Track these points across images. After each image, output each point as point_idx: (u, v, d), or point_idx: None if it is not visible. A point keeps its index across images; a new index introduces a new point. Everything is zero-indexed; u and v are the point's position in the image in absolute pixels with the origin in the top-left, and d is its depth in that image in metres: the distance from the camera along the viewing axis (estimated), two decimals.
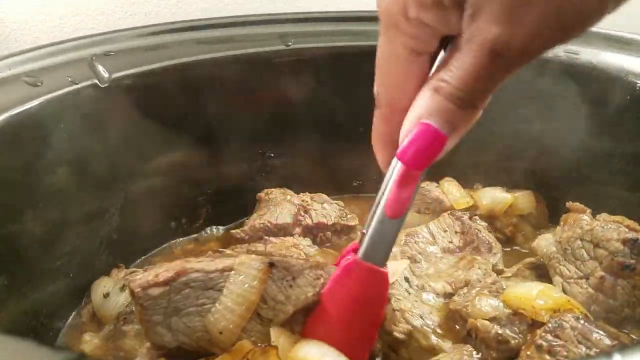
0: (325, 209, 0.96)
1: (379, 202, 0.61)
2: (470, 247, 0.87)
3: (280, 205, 0.95)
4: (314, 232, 0.94)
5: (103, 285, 0.80)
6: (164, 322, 0.62)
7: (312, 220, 0.94)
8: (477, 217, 0.94)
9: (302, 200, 0.96)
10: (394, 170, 0.58)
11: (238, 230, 0.94)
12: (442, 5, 0.49)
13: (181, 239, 1.01)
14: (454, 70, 0.50)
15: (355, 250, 0.64)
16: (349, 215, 0.97)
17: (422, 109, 0.52)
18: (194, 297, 0.62)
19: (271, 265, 0.64)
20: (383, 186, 0.60)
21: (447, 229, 0.89)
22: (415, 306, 0.73)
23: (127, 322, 0.75)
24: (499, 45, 0.47)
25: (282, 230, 0.92)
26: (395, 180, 0.58)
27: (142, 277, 0.63)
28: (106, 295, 0.79)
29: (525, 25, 0.46)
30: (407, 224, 1.00)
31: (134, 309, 0.75)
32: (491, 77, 0.49)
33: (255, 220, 0.94)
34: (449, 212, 0.93)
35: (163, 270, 0.63)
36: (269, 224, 0.92)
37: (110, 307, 0.78)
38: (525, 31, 0.46)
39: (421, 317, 0.73)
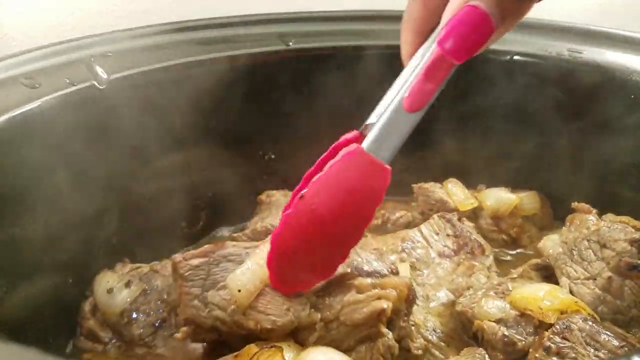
0: None
1: (396, 94, 0.55)
2: (464, 251, 0.87)
3: (282, 207, 0.94)
4: None
5: (107, 280, 0.79)
6: (201, 295, 0.64)
7: None
8: (464, 219, 0.93)
9: None
10: (423, 59, 0.52)
11: (240, 234, 0.93)
12: None
13: (180, 242, 1.00)
14: None
15: (354, 141, 0.58)
16: None
17: None
18: (231, 270, 0.64)
19: None
20: (402, 78, 0.55)
21: (439, 231, 0.89)
22: (427, 319, 0.73)
23: (131, 320, 0.75)
24: None
25: None
26: (424, 68, 0.51)
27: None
28: (110, 291, 0.77)
29: None
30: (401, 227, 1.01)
31: (138, 307, 0.76)
32: None
33: (257, 224, 0.93)
34: (438, 214, 0.92)
35: (203, 246, 0.67)
36: (270, 227, 0.91)
37: (113, 304, 0.77)
38: None
39: (434, 330, 0.72)
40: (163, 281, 0.78)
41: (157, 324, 0.76)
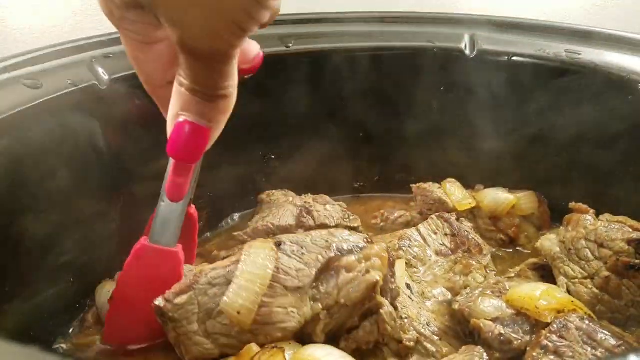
0: (328, 210, 0.95)
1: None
2: (461, 250, 0.87)
3: (282, 207, 0.95)
4: None
5: (107, 290, 0.79)
6: (200, 329, 0.63)
7: (315, 222, 0.93)
8: (463, 219, 0.94)
9: (305, 202, 0.96)
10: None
11: (240, 233, 0.93)
12: (140, 6, 0.52)
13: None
14: (183, 68, 0.51)
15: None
16: (351, 217, 0.96)
17: (177, 105, 0.54)
18: (220, 294, 0.63)
19: (278, 245, 0.66)
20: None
21: (437, 231, 0.90)
22: (421, 314, 0.73)
23: None
24: (186, 45, 0.49)
25: (285, 232, 0.91)
26: (171, 168, 0.60)
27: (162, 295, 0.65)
28: (111, 300, 0.77)
29: (196, 25, 0.48)
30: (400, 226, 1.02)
31: None
32: (210, 70, 0.51)
33: (257, 222, 0.93)
34: (437, 214, 0.93)
35: (181, 281, 0.66)
36: (271, 226, 0.91)
37: None
38: (199, 31, 0.48)
39: (427, 325, 0.72)
40: None
41: None
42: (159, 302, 0.64)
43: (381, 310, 0.67)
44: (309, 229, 0.92)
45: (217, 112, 0.55)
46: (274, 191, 1.01)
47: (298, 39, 1.00)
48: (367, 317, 0.67)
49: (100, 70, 0.84)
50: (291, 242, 0.67)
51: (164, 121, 0.88)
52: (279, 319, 0.63)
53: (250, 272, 0.63)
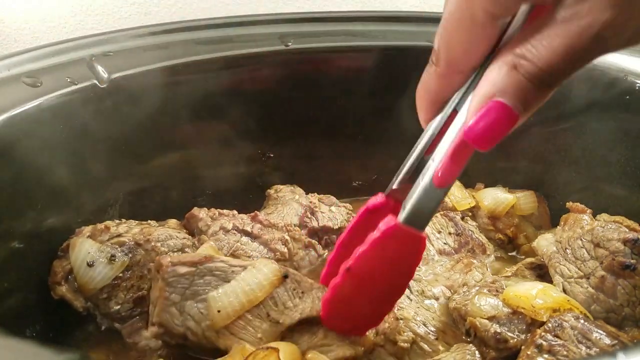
0: (333, 211, 0.95)
1: (415, 166, 0.61)
2: (465, 249, 0.87)
3: (287, 204, 0.95)
4: (319, 235, 0.93)
5: (87, 251, 0.74)
6: (179, 303, 0.65)
7: (318, 223, 0.93)
8: (468, 218, 0.94)
9: (310, 202, 0.96)
10: (449, 141, 0.56)
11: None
12: None
13: None
14: (540, 49, 0.47)
15: (374, 208, 0.65)
16: None
17: (497, 85, 0.49)
18: (214, 285, 0.65)
19: (285, 277, 0.67)
20: (420, 146, 0.60)
21: (441, 229, 0.90)
22: (418, 313, 0.73)
23: (111, 295, 0.74)
24: (608, 30, 0.44)
25: None
26: (450, 152, 0.55)
27: (172, 255, 0.67)
28: (91, 264, 0.73)
29: None
30: None
31: (119, 283, 0.74)
32: (583, 60, 0.46)
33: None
34: (442, 212, 0.93)
35: (192, 254, 0.68)
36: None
37: (95, 279, 0.73)
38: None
39: (424, 324, 0.73)
40: (145, 256, 0.76)
41: (136, 300, 0.75)
42: (166, 262, 0.65)
43: None
44: (311, 229, 0.93)
45: (538, 102, 0.50)
46: (281, 186, 1.01)
47: (297, 38, 1.00)
48: None
49: (100, 69, 0.84)
50: (295, 280, 0.68)
51: (161, 119, 0.90)
52: (245, 337, 0.64)
53: (248, 285, 0.65)
